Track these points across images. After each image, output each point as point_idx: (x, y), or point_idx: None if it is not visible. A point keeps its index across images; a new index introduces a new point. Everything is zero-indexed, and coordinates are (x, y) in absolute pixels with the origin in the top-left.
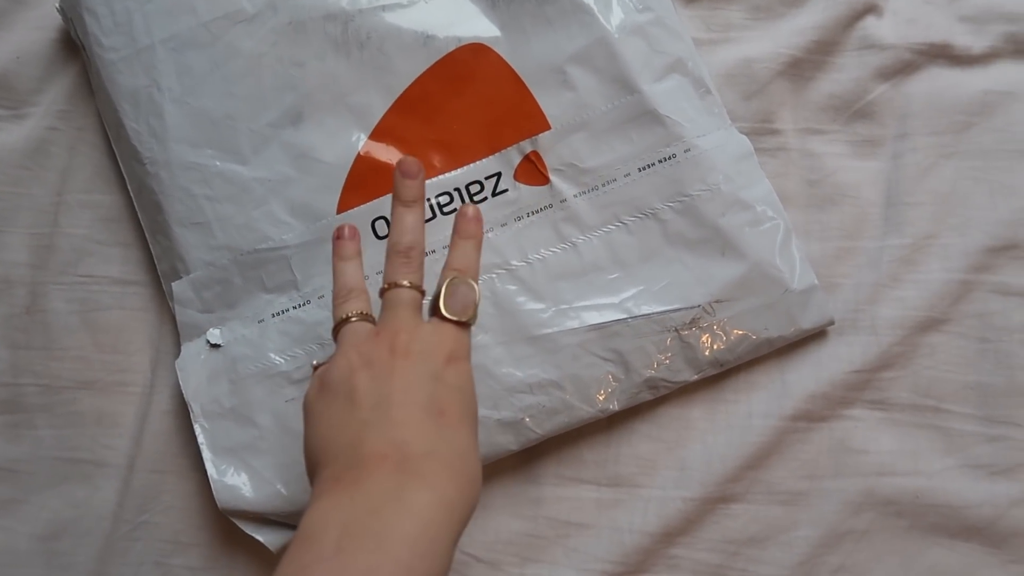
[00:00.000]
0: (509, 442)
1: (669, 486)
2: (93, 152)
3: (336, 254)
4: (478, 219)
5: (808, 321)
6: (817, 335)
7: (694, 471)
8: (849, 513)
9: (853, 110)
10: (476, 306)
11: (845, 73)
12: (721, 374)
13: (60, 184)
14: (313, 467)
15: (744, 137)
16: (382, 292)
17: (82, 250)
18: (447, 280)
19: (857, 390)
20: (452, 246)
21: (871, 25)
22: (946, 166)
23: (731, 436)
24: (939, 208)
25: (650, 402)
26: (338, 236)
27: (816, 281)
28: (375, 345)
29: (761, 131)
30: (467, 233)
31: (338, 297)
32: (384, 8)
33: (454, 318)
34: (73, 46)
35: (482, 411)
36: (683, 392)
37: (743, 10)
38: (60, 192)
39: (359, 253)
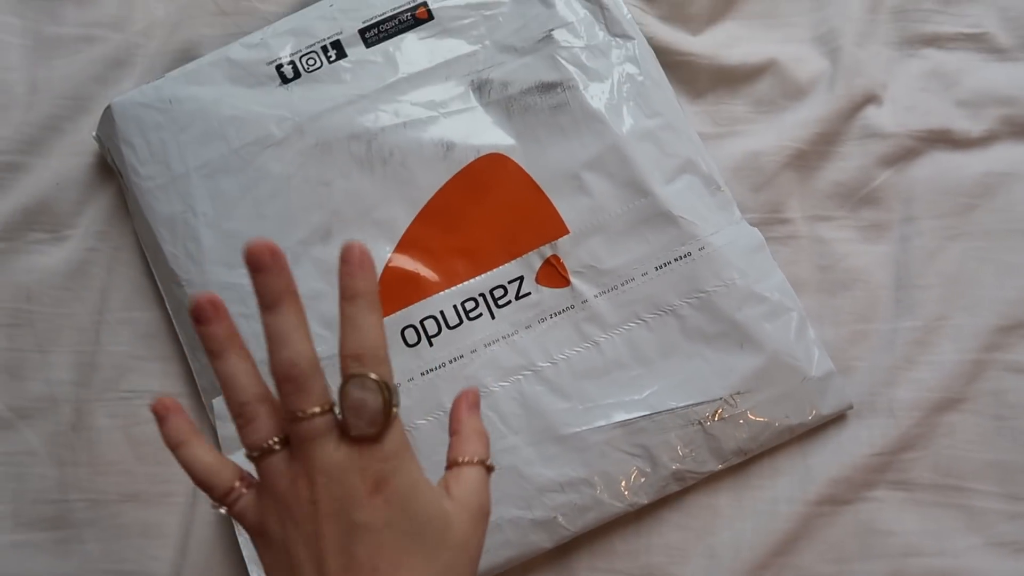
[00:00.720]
0: (543, 540)
1: (700, 575)
2: (130, 270)
3: (208, 351)
4: (364, 262)
5: (828, 407)
6: (837, 419)
7: (724, 559)
8: None
9: (859, 196)
10: (387, 407)
11: (849, 161)
12: (746, 461)
13: (100, 303)
14: None
15: (755, 230)
16: (288, 422)
17: (123, 366)
18: (343, 384)
19: (879, 472)
20: (341, 318)
21: (872, 114)
22: (952, 247)
23: (758, 522)
24: (948, 289)
25: (676, 491)
26: (197, 319)
27: (833, 367)
28: (296, 495)
29: (771, 221)
30: (353, 291)
31: (235, 415)
32: (406, 125)
33: (365, 435)
34: (108, 169)
35: (515, 511)
36: (709, 480)
37: (747, 104)
38: (100, 311)
39: (235, 340)
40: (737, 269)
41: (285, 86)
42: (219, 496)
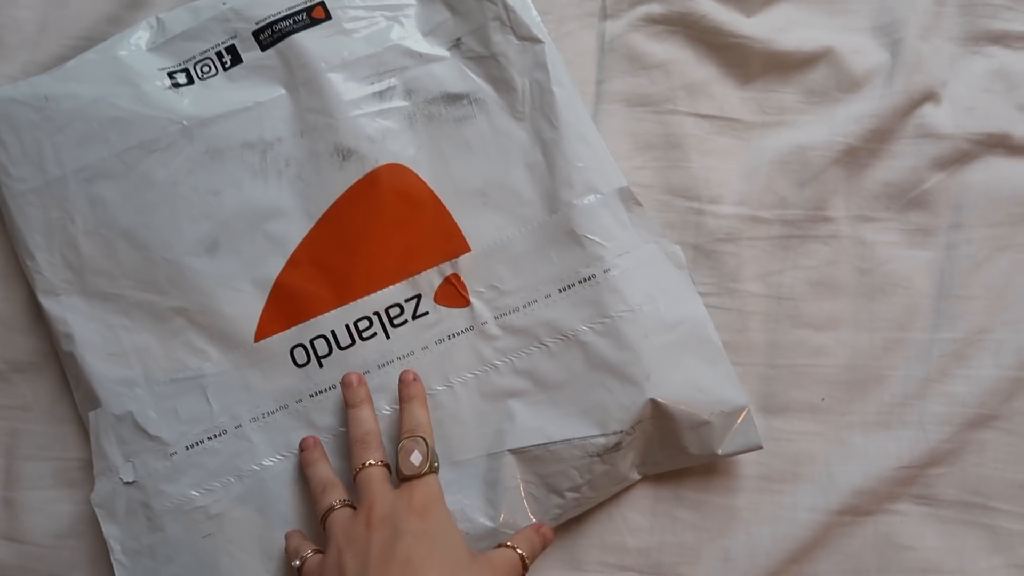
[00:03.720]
0: None
1: None
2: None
3: (305, 463)
4: (415, 380)
5: (734, 445)
6: (863, 428)
7: (738, 562)
8: None
9: (908, 199)
10: (430, 456)
11: (901, 161)
12: (767, 466)
13: None
14: None
15: (677, 248)
16: (354, 477)
17: None
18: (400, 445)
19: (904, 485)
20: (401, 411)
21: (929, 113)
22: (1001, 259)
23: (776, 528)
24: (993, 302)
25: (694, 492)
26: (303, 448)
27: (747, 402)
28: (354, 524)
29: (814, 218)
30: (408, 396)
31: (316, 492)
32: (302, 133)
33: (413, 474)
34: None
35: None
36: (728, 482)
37: (798, 94)
38: None
39: (324, 455)
40: (646, 294)
41: (176, 89)
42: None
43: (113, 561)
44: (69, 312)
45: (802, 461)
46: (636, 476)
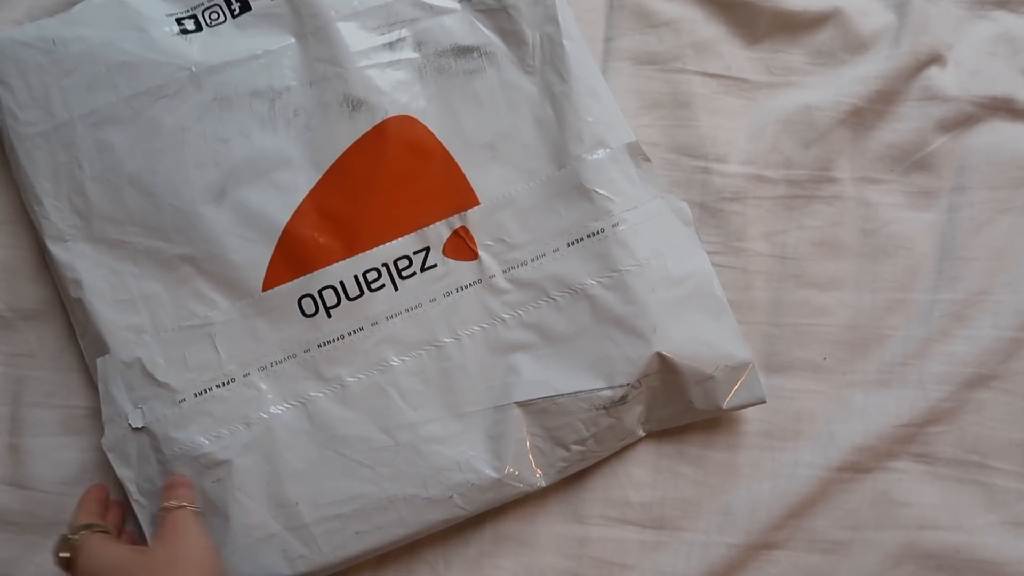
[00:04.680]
0: (438, 520)
1: (713, 531)
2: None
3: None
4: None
5: (738, 399)
6: (864, 387)
7: (738, 517)
8: (890, 564)
9: (911, 161)
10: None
11: (905, 123)
12: (768, 423)
13: None
14: None
15: (684, 204)
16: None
17: None
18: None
19: (903, 443)
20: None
21: (934, 76)
22: (1002, 221)
23: (776, 484)
24: (993, 264)
25: (697, 448)
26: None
27: (750, 357)
28: None
29: (819, 179)
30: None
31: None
32: (311, 83)
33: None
34: None
35: (409, 490)
36: (729, 439)
37: (805, 54)
38: None
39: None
40: (653, 249)
41: (184, 36)
42: None
43: (131, 502)
44: (77, 258)
45: (803, 419)
46: (641, 432)
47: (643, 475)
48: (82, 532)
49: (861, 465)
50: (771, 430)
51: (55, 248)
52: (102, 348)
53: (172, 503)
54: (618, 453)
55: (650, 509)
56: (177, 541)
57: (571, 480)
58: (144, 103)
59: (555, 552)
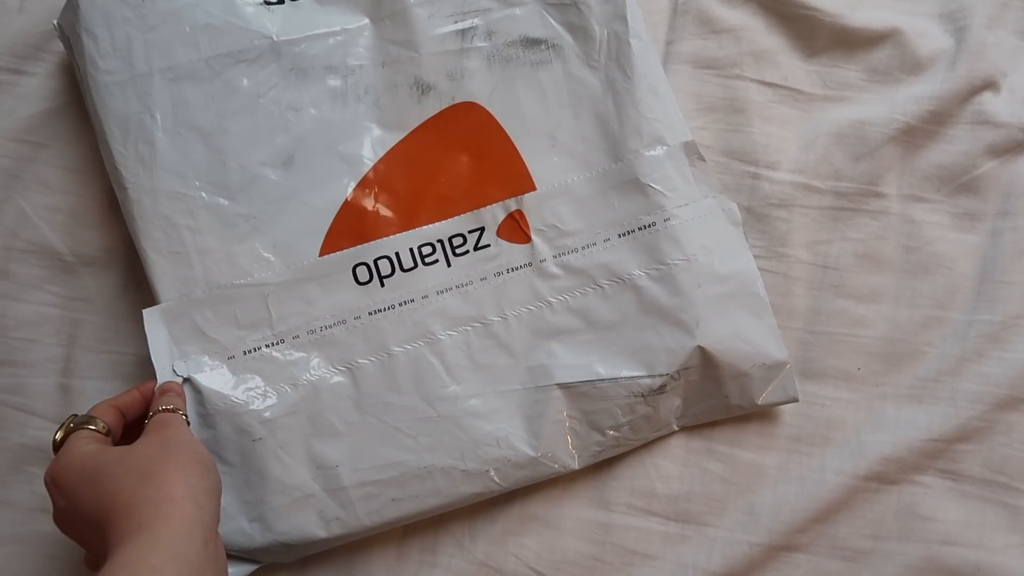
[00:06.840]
0: (473, 493)
1: (736, 529)
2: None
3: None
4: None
5: (773, 397)
6: (896, 400)
7: (762, 517)
8: None
9: (959, 182)
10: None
11: (955, 145)
12: (799, 428)
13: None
14: None
15: (734, 205)
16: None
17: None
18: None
19: (930, 458)
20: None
21: (987, 101)
22: None
23: (802, 487)
24: None
25: (726, 446)
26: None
27: (787, 357)
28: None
29: (866, 193)
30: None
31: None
32: (384, 64)
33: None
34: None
35: (448, 460)
36: (759, 440)
37: (861, 71)
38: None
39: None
40: (702, 245)
41: (268, 7)
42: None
43: None
44: (135, 207)
45: (833, 426)
46: (675, 426)
47: (671, 468)
48: (84, 425)
49: (888, 476)
50: (801, 435)
51: (119, 194)
52: (153, 298)
53: (161, 408)
54: (648, 445)
55: (675, 502)
56: (165, 432)
57: (599, 467)
58: (223, 64)
59: (579, 536)
